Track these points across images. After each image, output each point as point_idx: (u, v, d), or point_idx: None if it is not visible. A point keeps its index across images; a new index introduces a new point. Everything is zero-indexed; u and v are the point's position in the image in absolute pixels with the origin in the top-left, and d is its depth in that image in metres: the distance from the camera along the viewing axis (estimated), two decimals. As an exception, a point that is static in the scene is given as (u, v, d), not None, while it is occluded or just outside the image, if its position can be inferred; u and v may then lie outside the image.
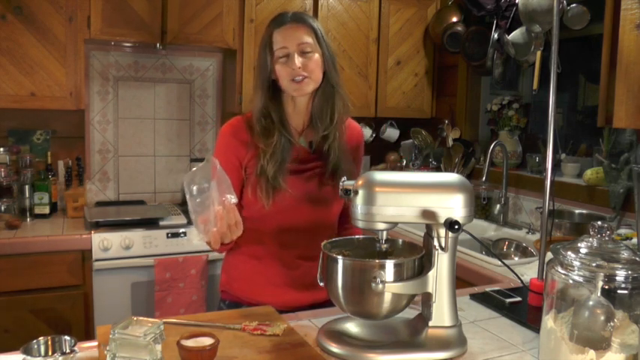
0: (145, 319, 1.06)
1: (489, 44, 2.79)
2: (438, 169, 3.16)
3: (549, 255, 1.18)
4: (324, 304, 1.56)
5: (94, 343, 1.19)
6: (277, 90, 1.54)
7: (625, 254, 1.07)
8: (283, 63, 1.47)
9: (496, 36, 2.76)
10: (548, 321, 1.12)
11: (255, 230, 1.57)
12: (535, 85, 2.45)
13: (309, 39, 1.48)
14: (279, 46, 1.47)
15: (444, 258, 1.20)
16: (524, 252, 2.44)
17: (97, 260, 2.45)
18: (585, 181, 2.42)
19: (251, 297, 1.60)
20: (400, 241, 1.32)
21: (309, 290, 1.58)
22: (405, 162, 3.32)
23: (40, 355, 1.07)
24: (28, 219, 2.69)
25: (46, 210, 2.73)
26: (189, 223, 2.66)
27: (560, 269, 1.10)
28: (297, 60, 1.46)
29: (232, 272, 1.66)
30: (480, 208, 2.87)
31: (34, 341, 1.08)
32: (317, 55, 1.49)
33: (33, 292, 2.37)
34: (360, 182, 1.19)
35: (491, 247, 2.47)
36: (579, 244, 1.11)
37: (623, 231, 2.13)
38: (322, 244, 1.26)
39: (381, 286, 1.14)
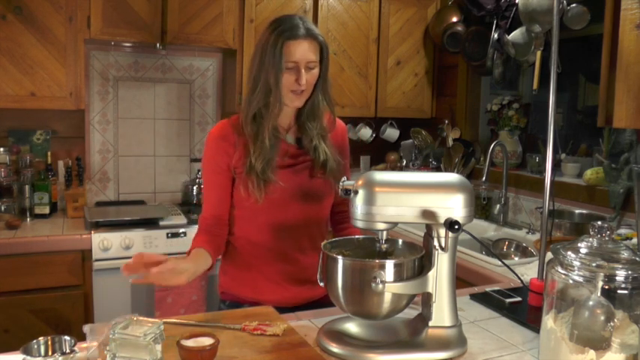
0: (145, 319, 1.06)
1: (489, 44, 2.79)
2: (438, 169, 3.16)
3: (549, 255, 1.18)
4: (322, 299, 1.57)
5: (95, 343, 1.19)
6: None
7: (625, 254, 1.07)
8: (289, 74, 1.49)
9: (496, 36, 2.76)
10: (548, 321, 1.12)
11: (250, 229, 1.59)
12: (535, 85, 2.46)
13: (317, 56, 1.51)
14: (291, 59, 1.47)
15: (444, 258, 1.20)
16: (524, 252, 2.44)
17: (97, 260, 2.45)
18: (585, 181, 2.42)
19: (251, 296, 1.61)
20: (400, 241, 1.32)
21: (307, 286, 1.59)
22: (405, 162, 3.32)
23: (40, 355, 1.07)
24: (28, 219, 2.68)
25: (46, 210, 2.73)
26: (190, 222, 2.67)
27: (560, 269, 1.10)
28: (305, 76, 1.49)
29: (231, 273, 1.67)
30: (480, 208, 2.87)
31: (34, 341, 1.08)
32: (317, 70, 1.53)
33: (33, 292, 2.37)
34: (360, 182, 1.20)
35: (492, 247, 2.47)
36: (579, 244, 1.11)
37: (623, 231, 2.13)
38: (322, 244, 1.27)
39: (381, 286, 1.14)
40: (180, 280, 1.37)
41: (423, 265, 1.23)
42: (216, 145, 1.58)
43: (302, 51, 1.47)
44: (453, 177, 1.24)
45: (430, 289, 1.20)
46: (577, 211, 2.42)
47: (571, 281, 1.07)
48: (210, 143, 1.60)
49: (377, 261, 1.17)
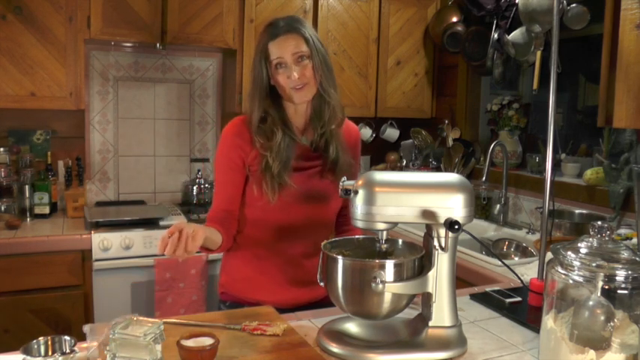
0: (145, 319, 1.06)
1: (489, 44, 2.79)
2: (438, 169, 3.16)
3: (549, 255, 1.18)
4: (322, 300, 1.57)
5: (95, 343, 1.19)
6: (277, 93, 1.56)
7: (625, 254, 1.07)
8: (282, 73, 1.51)
9: (496, 36, 2.76)
10: (548, 321, 1.12)
11: (258, 230, 1.59)
12: (535, 85, 2.45)
13: (303, 47, 1.50)
14: (276, 56, 1.50)
15: (444, 258, 1.20)
16: (524, 252, 2.44)
17: (97, 260, 2.45)
18: (585, 181, 2.42)
19: (252, 297, 1.60)
20: (400, 241, 1.32)
21: (309, 287, 1.59)
22: (405, 162, 3.32)
23: (40, 355, 1.07)
24: (28, 219, 2.68)
25: (46, 210, 2.73)
26: (190, 222, 2.66)
27: (560, 269, 1.10)
28: (295, 70, 1.49)
29: (233, 273, 1.66)
30: (480, 208, 2.87)
31: (34, 341, 1.08)
32: (312, 62, 1.52)
33: (33, 292, 2.37)
34: (360, 182, 1.20)
35: (491, 247, 2.47)
36: (579, 244, 1.11)
37: (623, 231, 2.13)
38: (322, 244, 1.27)
39: (381, 286, 1.14)
40: (195, 246, 1.31)
41: (423, 265, 1.23)
42: (231, 141, 1.57)
43: (284, 47, 1.49)
44: (453, 177, 1.24)
45: (430, 289, 1.20)
46: (577, 211, 2.42)
47: (571, 281, 1.07)
48: (225, 139, 1.59)
49: (377, 261, 1.17)
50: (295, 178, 1.54)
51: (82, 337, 1.15)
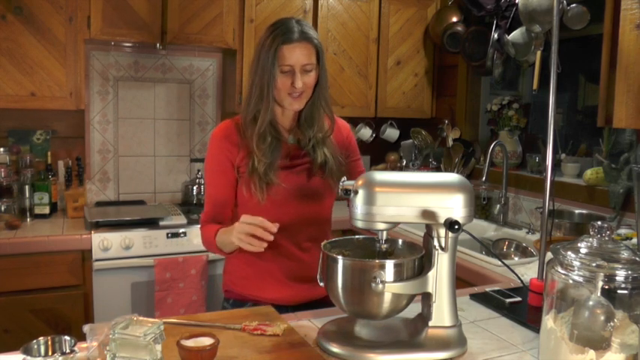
0: (145, 319, 1.06)
1: (489, 44, 2.79)
2: (438, 169, 3.16)
3: (549, 255, 1.18)
4: (323, 299, 1.58)
5: (95, 343, 1.19)
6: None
7: (625, 254, 1.07)
8: (285, 78, 1.51)
9: (496, 36, 2.76)
10: (548, 321, 1.12)
11: None
12: (535, 85, 2.45)
13: (313, 59, 1.52)
14: (286, 62, 1.49)
15: (444, 258, 1.20)
16: (524, 252, 2.44)
17: (97, 260, 2.45)
18: (585, 181, 2.42)
19: (254, 294, 1.62)
20: (400, 241, 1.32)
21: (309, 284, 1.60)
22: (405, 162, 3.32)
23: (40, 355, 1.07)
24: (28, 219, 2.68)
25: (46, 210, 2.73)
26: (190, 222, 2.67)
27: (560, 269, 1.10)
28: (300, 80, 1.50)
29: (234, 272, 1.68)
30: (480, 208, 2.87)
31: (34, 341, 1.08)
32: (315, 73, 1.54)
33: (33, 292, 2.37)
34: (360, 182, 1.20)
35: (491, 247, 2.47)
36: (579, 244, 1.11)
37: (623, 231, 2.13)
38: (322, 244, 1.27)
39: (381, 286, 1.14)
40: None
41: (423, 265, 1.23)
42: (219, 144, 1.60)
43: (296, 55, 1.49)
44: (453, 177, 1.24)
45: (430, 289, 1.20)
46: (577, 211, 2.42)
47: (571, 281, 1.07)
48: (213, 143, 1.61)
49: (377, 261, 1.17)
50: (283, 176, 1.56)
51: (82, 337, 1.15)
